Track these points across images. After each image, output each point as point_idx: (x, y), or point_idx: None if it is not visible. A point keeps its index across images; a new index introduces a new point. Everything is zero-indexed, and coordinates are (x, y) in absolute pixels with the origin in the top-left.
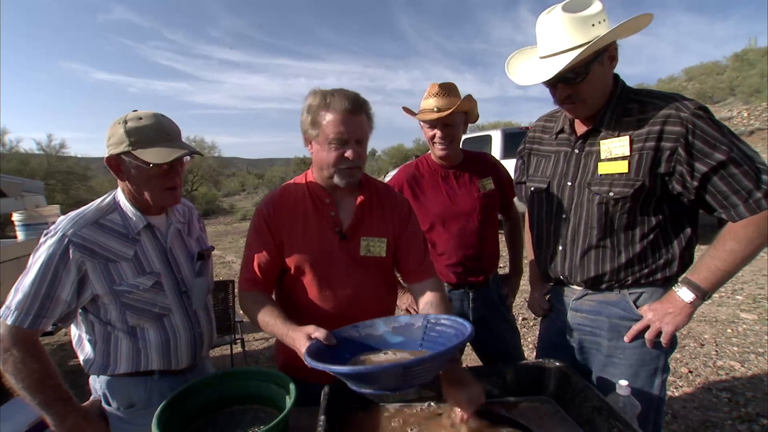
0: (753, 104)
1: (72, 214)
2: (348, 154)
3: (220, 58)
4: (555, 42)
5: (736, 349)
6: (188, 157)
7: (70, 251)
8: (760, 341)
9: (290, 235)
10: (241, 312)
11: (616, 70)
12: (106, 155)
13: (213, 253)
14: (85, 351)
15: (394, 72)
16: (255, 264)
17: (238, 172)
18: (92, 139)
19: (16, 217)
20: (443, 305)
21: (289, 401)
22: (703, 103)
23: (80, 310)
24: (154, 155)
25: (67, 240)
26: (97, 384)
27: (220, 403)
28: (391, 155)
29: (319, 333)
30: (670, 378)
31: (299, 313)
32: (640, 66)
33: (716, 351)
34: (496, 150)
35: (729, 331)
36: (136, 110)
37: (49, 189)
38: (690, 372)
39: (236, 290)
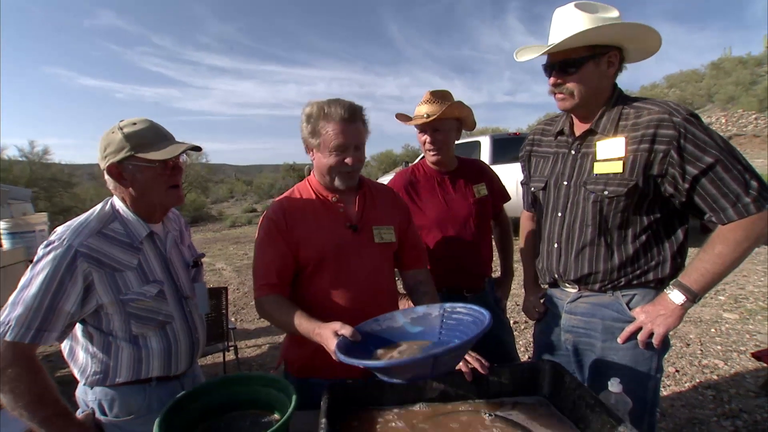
0: (730, 111)
1: (74, 224)
2: (348, 160)
3: (209, 64)
4: (560, 33)
5: (719, 348)
6: (185, 158)
7: (78, 262)
8: (741, 340)
9: (305, 235)
10: (233, 319)
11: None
12: (106, 165)
13: (203, 260)
14: (79, 362)
15: (383, 78)
16: (270, 269)
17: (226, 179)
18: (78, 146)
19: (2, 225)
20: (433, 293)
21: (289, 406)
22: None
23: (81, 323)
24: (159, 154)
25: (74, 250)
26: (89, 396)
27: (220, 409)
28: (380, 161)
29: (345, 330)
30: None
31: (319, 307)
32: (623, 73)
33: (701, 350)
34: (485, 155)
35: (713, 330)
36: (122, 119)
37: (32, 197)
38: (677, 371)
39: (229, 297)
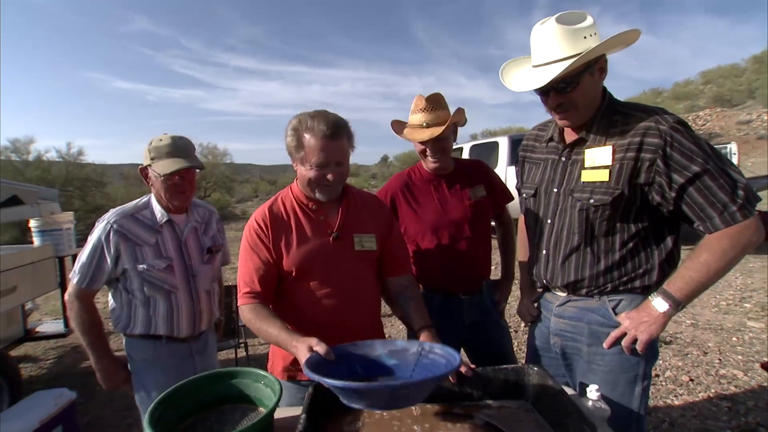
0: None
1: (118, 209)
2: (329, 176)
3: (235, 66)
4: (548, 52)
5: (740, 357)
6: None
7: (111, 235)
8: (765, 350)
9: (287, 243)
10: None
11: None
12: (139, 167)
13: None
14: (115, 314)
15: (408, 78)
16: (253, 278)
17: (251, 179)
18: (110, 146)
19: (32, 223)
20: (418, 298)
21: (274, 400)
22: (720, 107)
23: (115, 280)
24: (162, 167)
25: (109, 226)
26: (123, 343)
27: (212, 402)
28: (402, 161)
29: (320, 347)
30: (670, 386)
31: (300, 314)
32: (656, 70)
33: (720, 359)
34: (503, 156)
35: (734, 339)
36: (166, 133)
37: (67, 195)
38: (691, 380)
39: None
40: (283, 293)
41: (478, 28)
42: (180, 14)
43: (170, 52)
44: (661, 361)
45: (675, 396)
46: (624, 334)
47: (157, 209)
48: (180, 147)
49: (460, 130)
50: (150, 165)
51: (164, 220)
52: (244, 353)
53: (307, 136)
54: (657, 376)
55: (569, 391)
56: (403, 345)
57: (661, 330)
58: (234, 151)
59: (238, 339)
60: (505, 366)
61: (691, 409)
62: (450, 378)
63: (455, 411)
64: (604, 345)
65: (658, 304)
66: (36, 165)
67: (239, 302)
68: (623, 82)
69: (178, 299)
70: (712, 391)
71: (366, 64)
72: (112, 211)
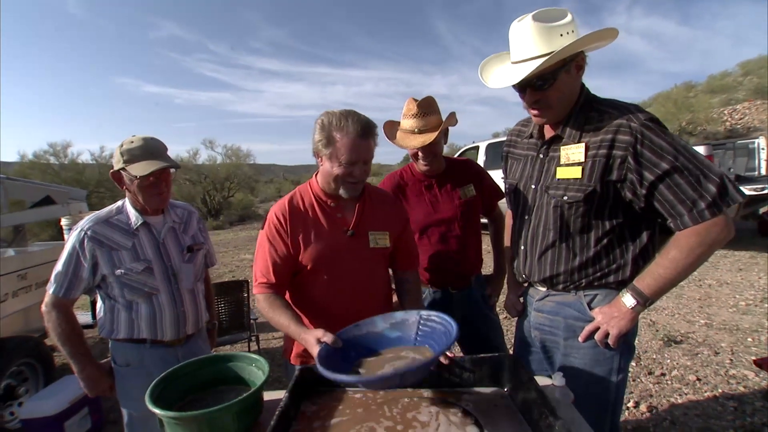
0: None
1: (92, 215)
2: (356, 174)
3: (260, 68)
4: (524, 49)
5: (754, 358)
6: (173, 170)
7: (85, 242)
8: None
9: (304, 237)
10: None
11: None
12: (110, 172)
13: (243, 257)
14: (101, 320)
15: (431, 77)
16: (269, 268)
17: (275, 179)
18: None
19: (63, 222)
20: (416, 294)
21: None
22: (761, 99)
23: (97, 287)
24: (137, 169)
25: (83, 234)
26: (110, 347)
27: (209, 383)
28: None
29: (327, 338)
30: (675, 385)
31: (314, 306)
32: (689, 63)
33: (731, 360)
34: None
35: (750, 340)
36: (135, 135)
37: (99, 196)
38: (698, 380)
39: (251, 291)
40: (298, 284)
41: (501, 26)
42: (206, 18)
43: (197, 55)
44: (669, 360)
45: (679, 395)
46: (597, 329)
47: (132, 212)
48: (153, 148)
49: (480, 128)
50: (124, 168)
51: (139, 222)
52: (257, 346)
53: (338, 134)
54: (663, 375)
55: (546, 381)
56: (402, 316)
57: (631, 325)
58: (258, 151)
59: (249, 332)
60: (483, 355)
61: (695, 407)
62: (432, 366)
63: (436, 396)
64: (580, 338)
65: (627, 299)
66: (71, 167)
67: (255, 291)
68: (652, 77)
69: (160, 301)
70: (719, 390)
71: (389, 63)
72: (86, 218)
